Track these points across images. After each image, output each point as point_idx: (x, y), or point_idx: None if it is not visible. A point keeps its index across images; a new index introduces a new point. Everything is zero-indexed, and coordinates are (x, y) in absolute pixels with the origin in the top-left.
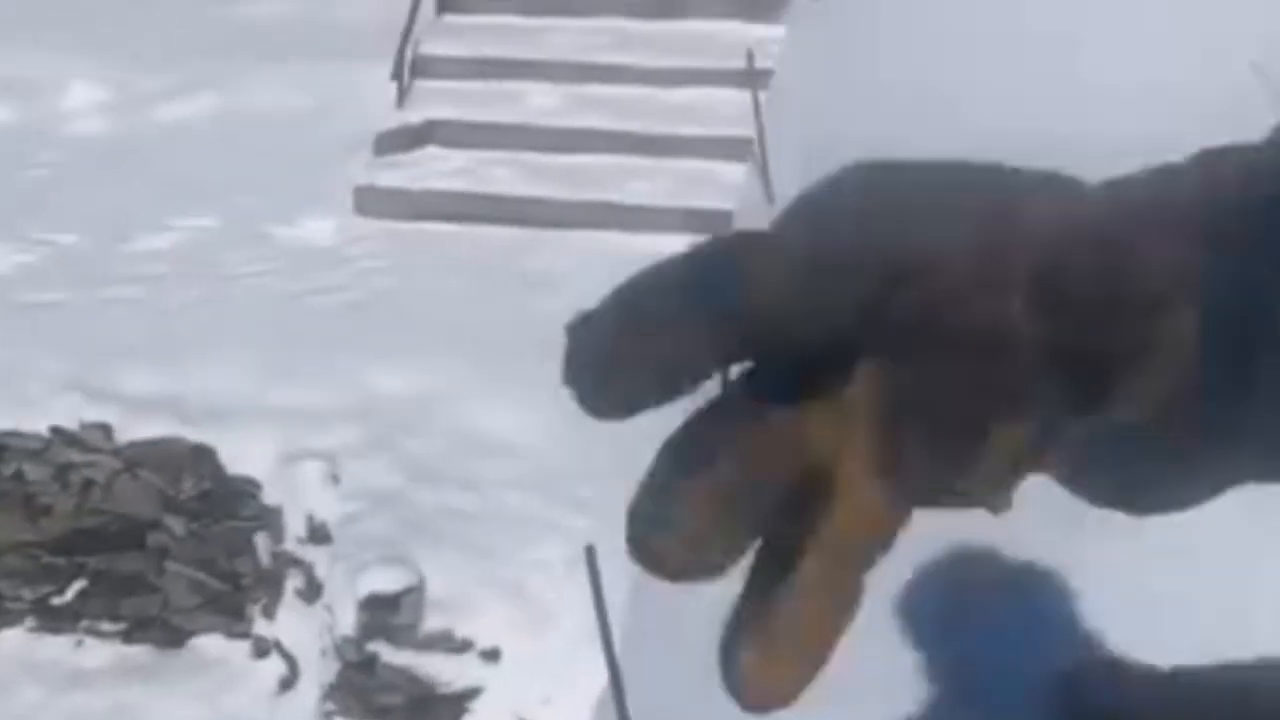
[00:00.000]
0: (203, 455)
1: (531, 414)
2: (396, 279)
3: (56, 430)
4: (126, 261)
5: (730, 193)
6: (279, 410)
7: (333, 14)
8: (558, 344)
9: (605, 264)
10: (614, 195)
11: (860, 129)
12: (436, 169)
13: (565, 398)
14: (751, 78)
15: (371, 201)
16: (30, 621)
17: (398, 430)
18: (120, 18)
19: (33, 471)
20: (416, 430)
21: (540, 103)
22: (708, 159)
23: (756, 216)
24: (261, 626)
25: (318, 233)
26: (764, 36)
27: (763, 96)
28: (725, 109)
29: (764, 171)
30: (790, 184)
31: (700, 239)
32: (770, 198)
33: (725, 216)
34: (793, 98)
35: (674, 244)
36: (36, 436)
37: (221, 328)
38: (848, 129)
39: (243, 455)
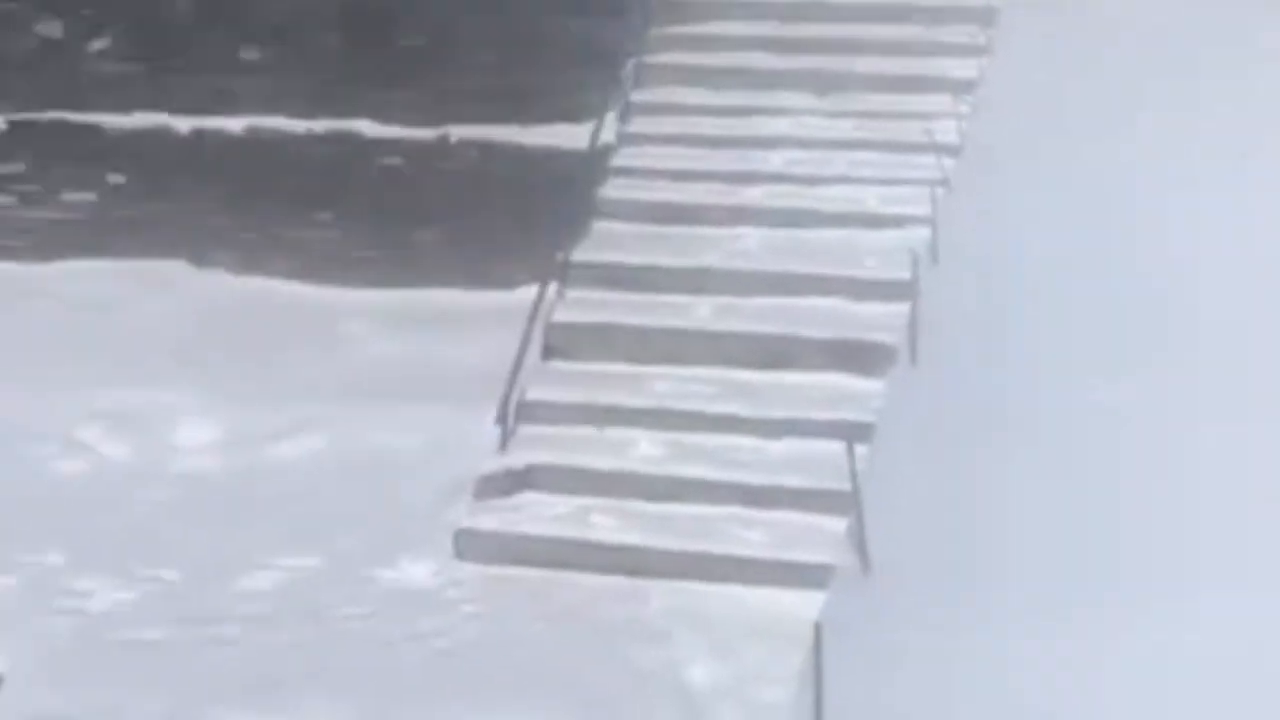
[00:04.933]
0: None
1: None
2: (494, 625)
3: None
4: (229, 600)
5: (832, 547)
6: None
7: (442, 356)
8: (656, 698)
9: (705, 617)
10: (715, 546)
11: (956, 477)
12: (536, 513)
13: None
14: (849, 432)
15: (471, 545)
16: None
17: None
18: (233, 357)
19: None
20: None
21: (643, 451)
22: (809, 511)
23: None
24: None
25: (418, 576)
26: (864, 390)
27: (861, 450)
28: (827, 462)
29: (859, 532)
30: (889, 544)
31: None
32: (865, 562)
33: (825, 570)
34: (890, 454)
35: (774, 598)
36: None
37: (320, 670)
38: (944, 490)
39: None
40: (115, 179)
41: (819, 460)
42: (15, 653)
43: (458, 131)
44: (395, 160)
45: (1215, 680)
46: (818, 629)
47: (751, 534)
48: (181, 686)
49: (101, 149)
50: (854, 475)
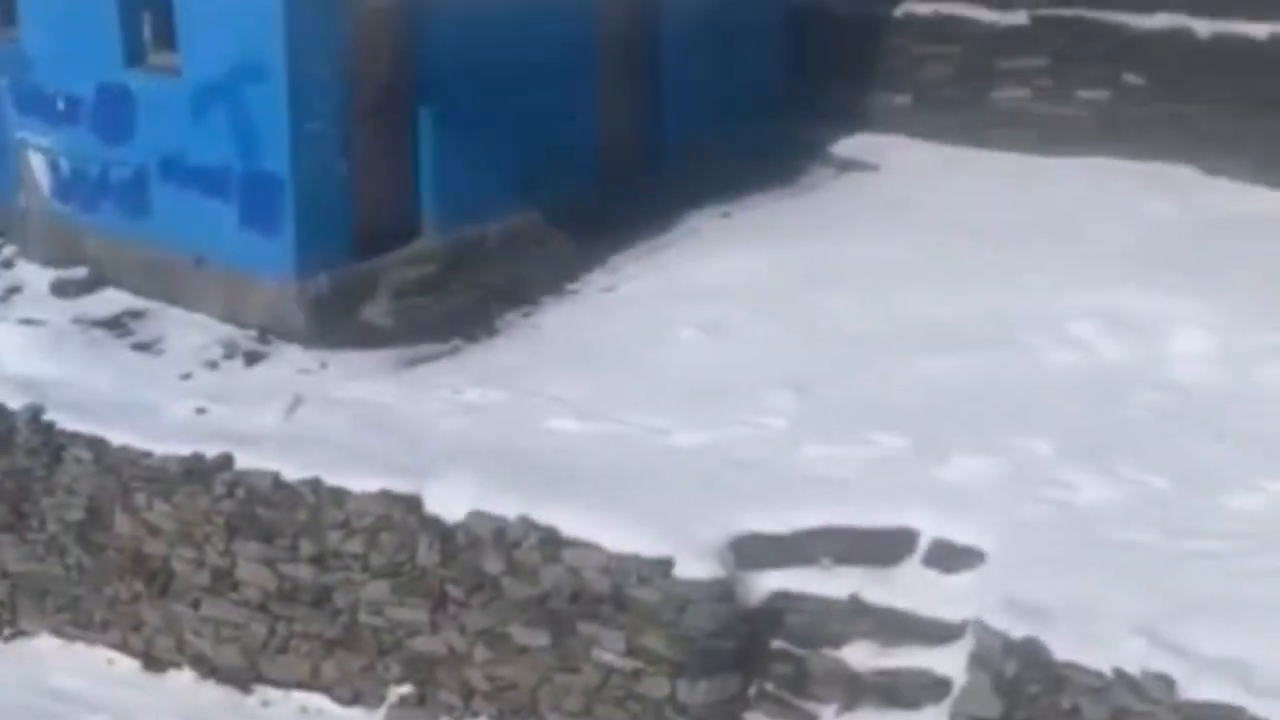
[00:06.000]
0: None
1: None
2: None
3: (1119, 673)
4: (1213, 516)
5: None
6: None
7: None
8: None
9: None
10: None
11: None
12: None
13: None
14: None
15: None
16: None
17: None
18: (1236, 273)
19: (1089, 709)
20: None
21: None
22: None
23: None
24: None
25: None
26: None
27: None
28: None
29: None
30: None
31: None
32: None
33: None
34: None
35: None
36: (1098, 674)
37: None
38: None
39: None
40: (1131, 79)
41: None
42: (999, 534)
43: None
44: None
45: None
46: None
47: None
48: (1158, 594)
49: (1118, 48)
50: None
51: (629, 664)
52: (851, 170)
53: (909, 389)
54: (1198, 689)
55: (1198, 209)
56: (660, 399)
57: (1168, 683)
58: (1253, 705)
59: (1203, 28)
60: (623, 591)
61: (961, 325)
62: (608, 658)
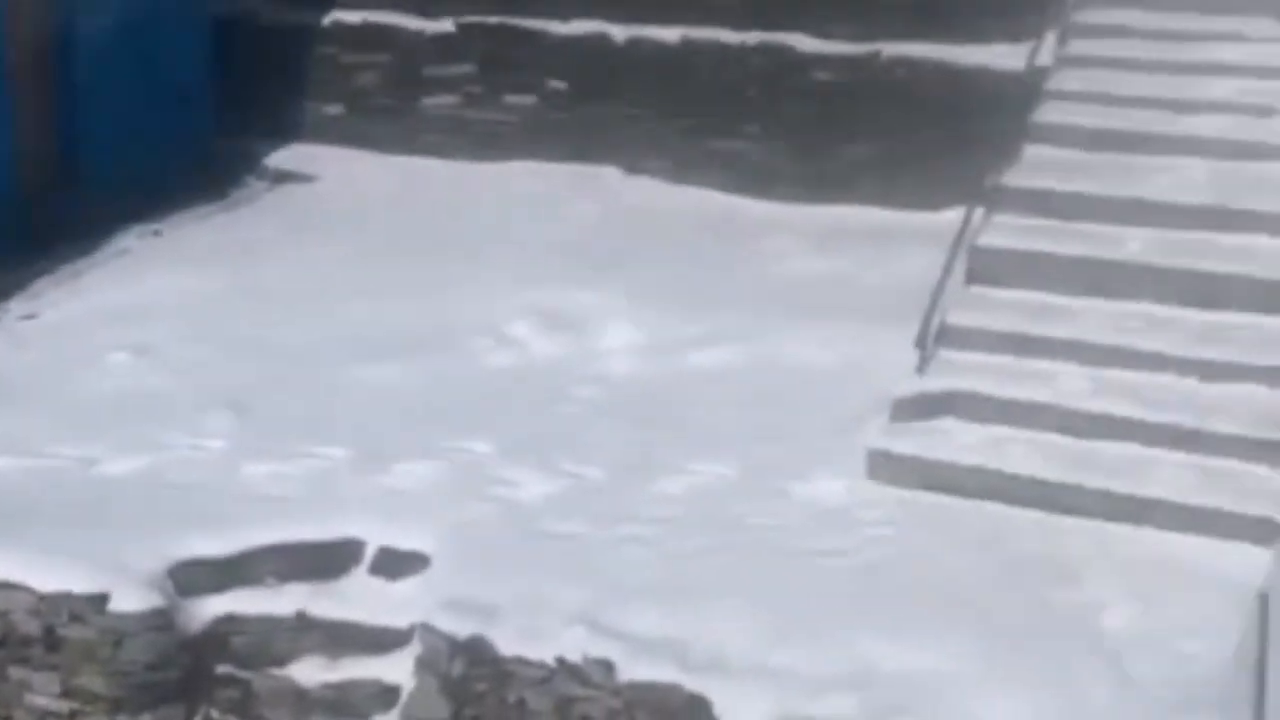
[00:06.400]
0: (698, 707)
1: (1033, 710)
2: (901, 549)
3: (561, 662)
4: (645, 502)
5: (1272, 501)
6: (777, 671)
7: (864, 276)
8: (1069, 637)
9: (1125, 560)
10: (1140, 488)
11: None
12: (953, 441)
13: (1070, 696)
14: None
15: (884, 466)
16: None
17: (893, 709)
18: (658, 264)
19: (534, 701)
20: (912, 710)
21: (1066, 383)
22: (1247, 460)
23: None
24: None
25: (830, 493)
26: None
27: None
28: (1262, 407)
29: None
30: None
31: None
32: None
33: (1265, 526)
34: None
35: (1201, 547)
36: (541, 665)
37: (729, 578)
38: None
39: (734, 712)
40: (555, 84)
41: (1256, 406)
42: (443, 537)
43: (889, 49)
44: (825, 75)
45: None
46: (1263, 601)
47: (1176, 478)
48: (595, 580)
49: (541, 55)
50: None
51: (65, 705)
52: (286, 182)
53: (349, 400)
54: (636, 670)
55: (622, 208)
56: (90, 428)
57: (607, 667)
58: (689, 681)
59: (619, 33)
60: (54, 632)
61: (401, 333)
62: (41, 701)
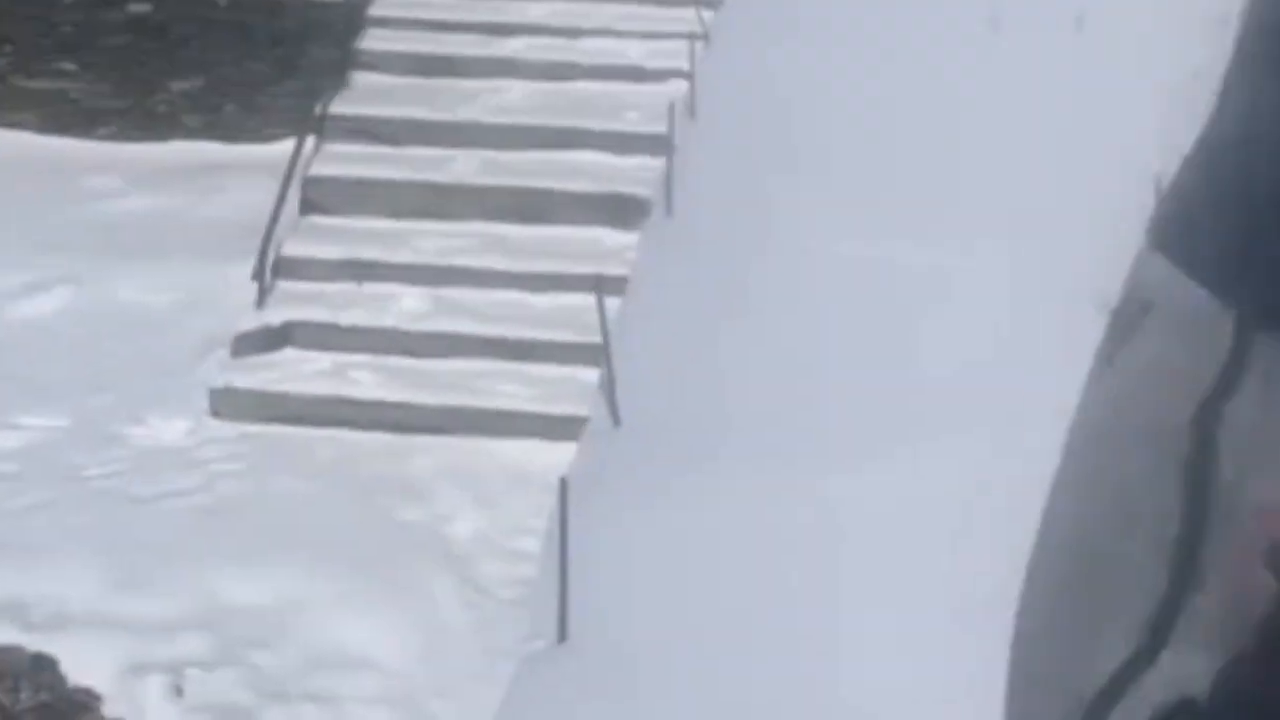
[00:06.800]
0: (43, 665)
1: (389, 627)
2: (251, 484)
3: None
4: None
5: (585, 399)
6: (123, 619)
7: (195, 213)
8: (419, 553)
9: (467, 471)
10: (475, 400)
11: (708, 331)
12: (295, 370)
13: (423, 609)
14: (599, 284)
15: (227, 403)
16: None
17: (247, 643)
18: None
19: None
20: (267, 643)
21: (404, 306)
22: (566, 364)
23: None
24: None
25: (171, 434)
26: (621, 244)
27: (616, 304)
28: (586, 314)
29: (610, 385)
30: (640, 397)
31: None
32: (615, 415)
33: (577, 423)
34: (644, 307)
35: (532, 450)
36: None
37: (68, 531)
38: (695, 333)
39: (84, 666)
40: None
41: (578, 314)
42: None
43: None
44: (144, 7)
45: (945, 523)
46: (563, 484)
47: (511, 388)
48: None
49: None
50: (604, 328)
51: None
52: None
53: None
54: None
55: None
56: None
57: None
58: (31, 641)
59: None
60: None
61: None
62: None
